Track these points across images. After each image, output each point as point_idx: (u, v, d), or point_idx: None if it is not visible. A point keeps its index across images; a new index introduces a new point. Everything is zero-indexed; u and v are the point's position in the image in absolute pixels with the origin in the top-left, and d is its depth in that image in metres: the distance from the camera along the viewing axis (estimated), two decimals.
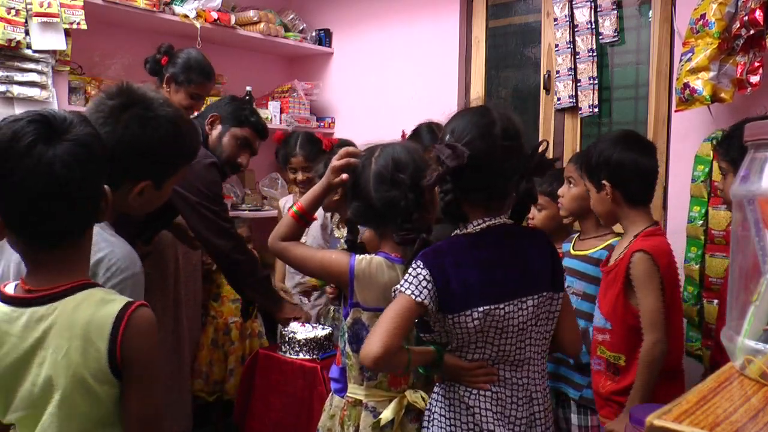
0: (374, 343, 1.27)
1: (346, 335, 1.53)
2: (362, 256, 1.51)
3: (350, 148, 1.60)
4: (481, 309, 1.34)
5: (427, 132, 3.04)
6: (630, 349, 1.80)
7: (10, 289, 1.12)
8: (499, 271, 1.38)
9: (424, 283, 1.33)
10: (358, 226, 1.64)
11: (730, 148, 1.86)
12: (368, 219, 1.58)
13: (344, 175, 1.55)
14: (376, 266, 1.49)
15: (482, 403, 1.39)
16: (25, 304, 1.08)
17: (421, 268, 1.34)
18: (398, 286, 1.35)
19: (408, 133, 3.17)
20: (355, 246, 1.61)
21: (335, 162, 1.56)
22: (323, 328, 2.43)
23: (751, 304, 0.79)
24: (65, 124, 1.06)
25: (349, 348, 1.52)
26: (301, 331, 2.38)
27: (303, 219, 1.59)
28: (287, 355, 2.36)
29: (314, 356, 2.33)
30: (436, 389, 1.47)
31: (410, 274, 1.35)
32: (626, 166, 1.86)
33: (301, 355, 2.34)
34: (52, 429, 1.06)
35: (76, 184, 1.05)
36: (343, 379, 1.57)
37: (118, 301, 1.09)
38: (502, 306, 1.36)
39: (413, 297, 1.32)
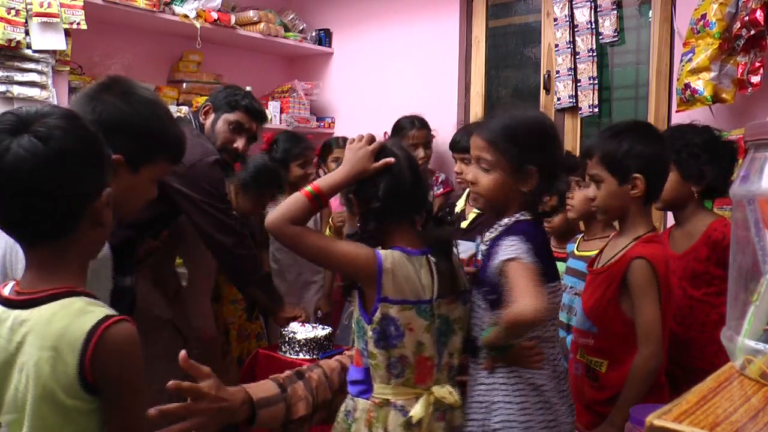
0: (530, 299, 1.28)
1: (370, 333, 1.45)
2: (384, 250, 1.46)
3: (372, 134, 1.51)
4: (552, 284, 1.47)
5: (408, 123, 3.05)
6: (614, 356, 1.72)
7: (6, 290, 1.11)
8: (550, 255, 1.53)
9: (531, 256, 1.39)
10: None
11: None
12: (398, 210, 1.49)
13: (391, 159, 1.47)
14: (399, 259, 1.45)
15: (547, 381, 1.46)
16: (12, 306, 1.07)
17: (524, 242, 1.39)
18: (516, 255, 1.36)
19: (389, 132, 3.19)
20: (364, 239, 1.53)
21: (371, 146, 1.47)
22: (323, 328, 2.42)
23: (751, 304, 0.79)
24: (34, 117, 1.04)
25: (374, 346, 1.45)
26: (301, 331, 2.37)
27: (318, 202, 1.44)
28: (287, 355, 2.36)
29: (314, 356, 2.33)
30: (485, 380, 1.46)
31: (519, 247, 1.38)
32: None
33: (301, 355, 2.33)
34: None
35: (27, 179, 1.01)
36: (369, 379, 1.49)
37: (96, 313, 1.04)
38: (557, 284, 1.51)
39: (535, 266, 1.37)
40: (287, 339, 2.36)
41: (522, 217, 1.49)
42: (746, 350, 0.77)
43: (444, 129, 3.31)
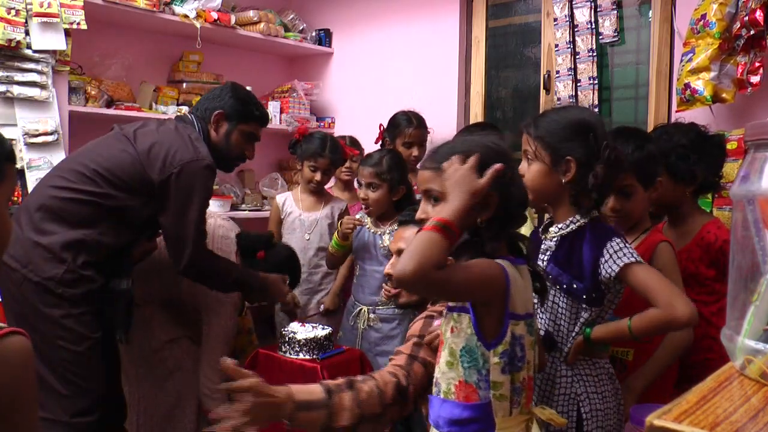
0: (684, 302, 1.35)
1: (497, 359, 1.27)
2: (498, 261, 1.31)
3: (460, 156, 1.29)
4: None
5: (405, 121, 3.03)
6: (640, 344, 1.72)
7: None
8: None
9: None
10: None
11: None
12: (508, 221, 1.35)
13: (499, 165, 1.27)
14: (512, 269, 1.30)
15: (611, 368, 1.55)
16: None
17: (627, 243, 1.45)
18: (634, 258, 1.41)
19: (384, 125, 3.16)
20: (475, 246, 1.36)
21: (467, 164, 1.27)
22: (323, 328, 2.43)
23: (751, 304, 0.79)
24: None
25: (501, 373, 1.27)
26: (301, 331, 2.38)
27: (451, 234, 1.22)
28: (287, 355, 2.36)
29: (314, 356, 2.33)
30: (566, 372, 1.49)
31: (628, 249, 1.43)
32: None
33: (301, 355, 2.34)
34: None
35: None
36: (485, 415, 1.30)
37: None
38: None
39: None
40: (287, 339, 2.36)
41: (595, 214, 1.51)
42: (746, 350, 0.77)
43: (444, 129, 3.30)
